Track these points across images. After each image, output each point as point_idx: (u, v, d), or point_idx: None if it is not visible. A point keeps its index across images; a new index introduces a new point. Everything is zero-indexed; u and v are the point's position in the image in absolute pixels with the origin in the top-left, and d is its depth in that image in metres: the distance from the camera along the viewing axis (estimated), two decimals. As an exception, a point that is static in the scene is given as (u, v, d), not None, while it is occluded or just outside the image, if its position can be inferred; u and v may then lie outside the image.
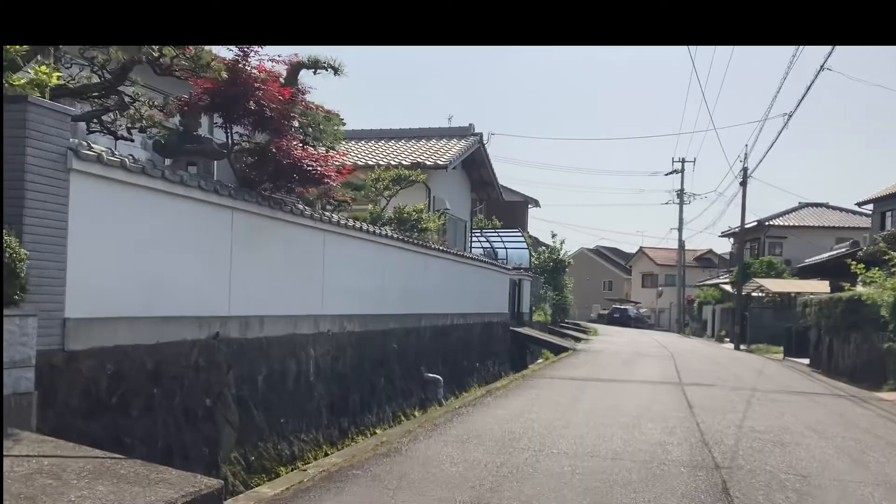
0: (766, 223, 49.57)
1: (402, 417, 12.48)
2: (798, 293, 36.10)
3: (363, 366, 11.62)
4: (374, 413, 11.69)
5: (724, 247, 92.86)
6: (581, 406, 11.92)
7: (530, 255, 29.00)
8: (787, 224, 50.21)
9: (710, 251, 70.02)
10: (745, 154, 32.93)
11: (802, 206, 53.15)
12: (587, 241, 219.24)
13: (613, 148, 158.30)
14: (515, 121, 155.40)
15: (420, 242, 14.69)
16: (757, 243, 52.22)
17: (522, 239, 27.94)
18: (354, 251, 11.44)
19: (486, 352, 20.21)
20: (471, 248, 23.91)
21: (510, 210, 45.01)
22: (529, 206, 48.19)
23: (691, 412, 11.58)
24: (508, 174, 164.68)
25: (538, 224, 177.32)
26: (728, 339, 37.12)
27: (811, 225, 50.12)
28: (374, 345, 12.13)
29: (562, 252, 39.05)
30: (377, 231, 12.34)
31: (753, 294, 40.10)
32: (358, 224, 11.63)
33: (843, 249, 23.31)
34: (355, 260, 11.50)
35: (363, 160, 19.75)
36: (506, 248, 28.11)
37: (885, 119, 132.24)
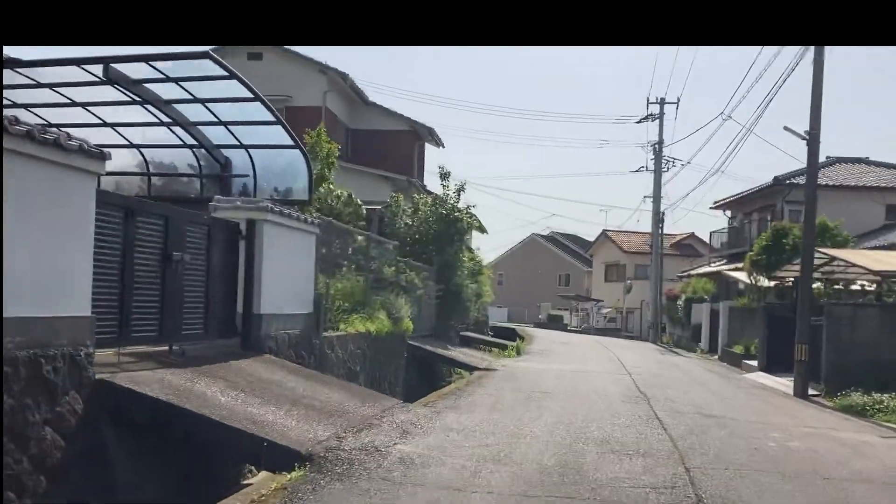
0: (787, 181, 33.23)
1: None
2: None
3: None
4: None
5: (716, 224, 76.20)
6: None
7: (311, 169, 11.20)
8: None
9: (692, 235, 56.14)
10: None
11: (832, 161, 37.31)
12: (534, 217, 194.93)
13: (565, 84, 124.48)
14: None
15: None
16: (771, 212, 35.72)
17: (280, 126, 10.25)
18: None
19: None
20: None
21: (386, 143, 27.46)
22: (425, 142, 30.49)
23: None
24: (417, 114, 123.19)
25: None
26: (757, 364, 19.88)
27: (851, 185, 34.26)
28: None
29: (457, 203, 21.21)
30: None
31: (789, 282, 23.82)
32: None
33: None
34: None
35: None
36: (242, 144, 10.63)
37: None
